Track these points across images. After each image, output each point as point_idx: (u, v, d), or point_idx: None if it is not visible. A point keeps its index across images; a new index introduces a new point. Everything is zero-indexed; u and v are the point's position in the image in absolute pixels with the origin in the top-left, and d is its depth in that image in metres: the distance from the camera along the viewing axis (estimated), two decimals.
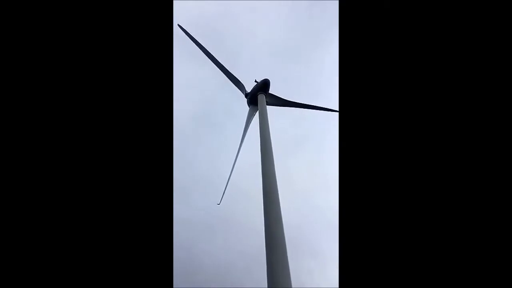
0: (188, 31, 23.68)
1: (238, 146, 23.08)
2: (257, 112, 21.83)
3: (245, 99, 23.29)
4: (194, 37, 23.60)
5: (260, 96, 21.32)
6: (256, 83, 21.71)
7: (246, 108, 23.30)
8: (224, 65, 22.85)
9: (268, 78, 22.13)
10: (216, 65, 23.06)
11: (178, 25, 22.86)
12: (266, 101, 22.30)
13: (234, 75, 22.95)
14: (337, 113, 24.99)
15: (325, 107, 24.02)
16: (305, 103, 23.33)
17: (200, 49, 23.25)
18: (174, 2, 4.81)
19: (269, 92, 21.84)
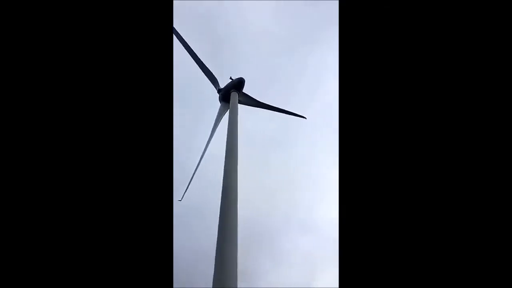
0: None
1: (205, 143, 22.56)
2: (228, 109, 21.55)
3: (217, 95, 22.88)
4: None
5: (233, 93, 21.06)
6: (231, 80, 21.41)
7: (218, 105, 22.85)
8: (199, 56, 22.28)
9: (243, 77, 21.92)
10: (191, 55, 22.44)
11: None
12: (239, 100, 22.11)
13: (209, 68, 22.43)
14: (305, 119, 25.40)
15: (295, 112, 24.30)
16: (276, 106, 23.41)
17: (176, 37, 22.55)
18: (175, 2, 4.71)
19: (243, 91, 21.64)
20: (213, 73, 22.55)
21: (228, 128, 21.74)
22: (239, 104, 22.50)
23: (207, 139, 22.97)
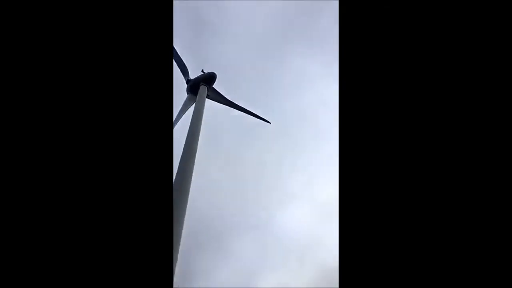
0: None
1: None
2: (194, 103, 20.73)
3: (185, 85, 21.97)
4: None
5: (202, 87, 20.31)
6: (202, 73, 20.69)
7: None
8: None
9: (215, 72, 21.30)
10: None
11: None
12: (207, 95, 21.39)
13: (180, 55, 21.48)
14: (269, 124, 25.29)
15: (261, 116, 24.10)
16: (243, 107, 23.04)
17: None
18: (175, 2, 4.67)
19: (213, 86, 20.99)
20: (184, 62, 21.65)
21: (191, 123, 20.85)
22: (206, 99, 21.75)
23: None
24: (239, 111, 22.91)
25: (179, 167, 20.45)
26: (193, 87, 21.15)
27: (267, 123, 24.91)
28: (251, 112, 23.33)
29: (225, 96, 21.77)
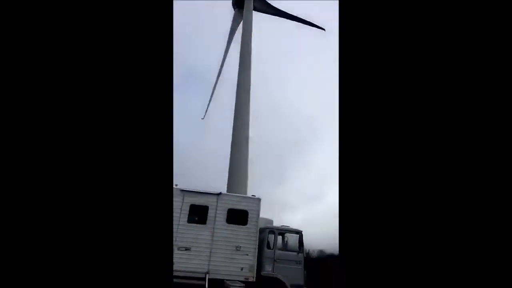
0: None
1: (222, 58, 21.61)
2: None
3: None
4: None
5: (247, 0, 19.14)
6: None
7: None
8: None
9: None
10: None
11: None
12: (254, 6, 20.16)
13: None
14: (324, 31, 23.38)
15: (314, 23, 22.27)
16: (295, 15, 21.40)
17: None
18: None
19: None
20: None
21: (241, 40, 20.33)
22: (254, 12, 20.56)
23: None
24: (291, 20, 21.38)
25: (237, 87, 21.00)
26: (238, 0, 20.05)
27: (322, 30, 23.02)
28: (304, 20, 21.57)
29: (275, 6, 20.36)
